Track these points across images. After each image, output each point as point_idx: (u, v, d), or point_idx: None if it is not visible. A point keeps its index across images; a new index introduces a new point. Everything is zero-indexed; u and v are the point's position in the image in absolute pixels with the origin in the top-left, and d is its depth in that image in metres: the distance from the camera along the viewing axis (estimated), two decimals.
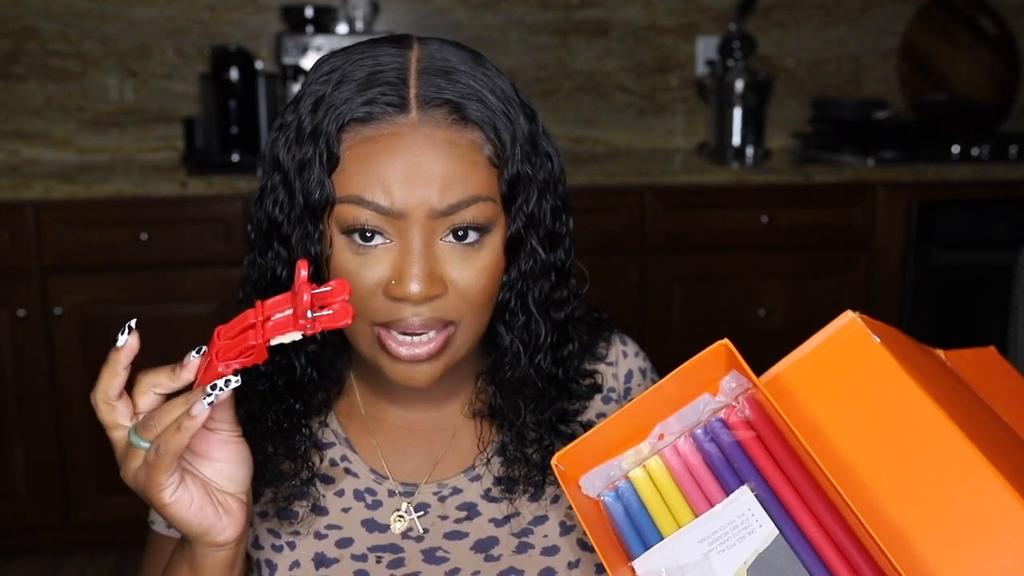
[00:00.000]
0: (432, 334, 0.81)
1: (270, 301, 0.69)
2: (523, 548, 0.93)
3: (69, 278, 2.49)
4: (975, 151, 2.89)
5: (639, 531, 0.64)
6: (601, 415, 0.97)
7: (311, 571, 0.92)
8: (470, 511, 0.94)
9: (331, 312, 0.67)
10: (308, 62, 2.81)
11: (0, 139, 2.97)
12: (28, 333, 2.49)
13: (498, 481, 0.93)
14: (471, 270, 0.81)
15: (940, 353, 0.72)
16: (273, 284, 0.84)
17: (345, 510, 0.93)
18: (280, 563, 0.93)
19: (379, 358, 0.83)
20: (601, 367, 0.98)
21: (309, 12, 2.87)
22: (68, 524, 2.61)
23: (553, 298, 0.88)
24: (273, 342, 0.68)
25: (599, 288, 0.94)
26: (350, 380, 0.96)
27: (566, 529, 0.94)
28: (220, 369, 0.69)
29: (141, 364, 2.57)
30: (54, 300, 2.49)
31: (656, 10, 3.19)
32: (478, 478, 0.94)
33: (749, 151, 2.91)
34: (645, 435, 0.66)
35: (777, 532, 0.58)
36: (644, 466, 0.67)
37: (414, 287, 0.78)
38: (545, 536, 0.94)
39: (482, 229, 0.81)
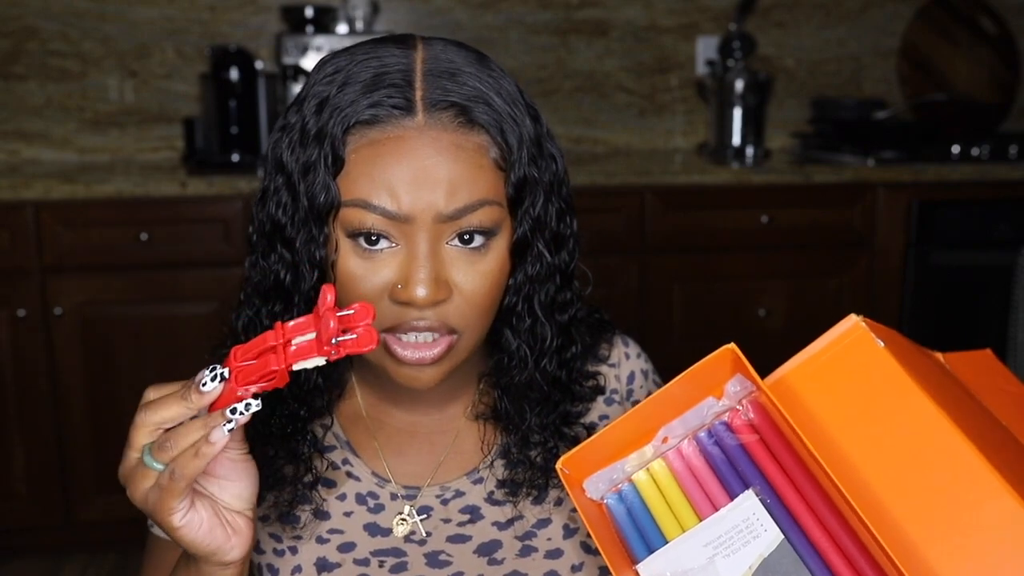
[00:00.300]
0: (436, 336, 0.81)
1: (291, 324, 0.67)
2: (526, 551, 0.93)
3: (69, 278, 2.49)
4: (975, 151, 2.89)
5: (643, 534, 0.64)
6: (603, 417, 0.97)
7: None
8: (473, 514, 0.94)
9: (355, 336, 0.66)
10: (308, 62, 2.80)
11: (0, 139, 2.97)
12: (28, 333, 2.49)
13: (501, 484, 0.93)
14: (477, 274, 0.80)
15: (939, 356, 0.72)
16: (276, 287, 0.84)
17: (347, 514, 0.93)
18: (282, 568, 0.93)
19: (384, 362, 0.83)
20: (603, 368, 0.98)
21: (309, 12, 2.86)
22: (68, 524, 2.61)
23: (558, 300, 0.88)
24: (296, 367, 0.67)
25: (599, 288, 0.94)
26: (352, 382, 0.96)
27: (570, 532, 0.94)
28: (239, 392, 0.66)
29: (141, 364, 2.56)
30: (54, 300, 2.48)
31: (656, 10, 3.19)
32: (481, 481, 0.94)
33: (749, 151, 2.91)
34: (649, 438, 0.66)
35: (782, 536, 0.58)
36: (648, 469, 0.67)
37: (420, 292, 0.77)
38: (549, 539, 0.94)
39: (488, 233, 0.80)
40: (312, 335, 0.67)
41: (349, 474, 0.94)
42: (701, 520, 0.62)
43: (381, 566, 0.92)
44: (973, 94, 3.34)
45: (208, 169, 2.67)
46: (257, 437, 0.88)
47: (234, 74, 2.75)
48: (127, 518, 2.53)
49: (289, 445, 0.89)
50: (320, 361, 0.67)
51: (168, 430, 0.69)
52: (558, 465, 0.65)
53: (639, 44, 3.20)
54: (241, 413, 0.67)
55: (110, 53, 2.98)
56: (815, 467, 0.58)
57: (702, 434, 0.66)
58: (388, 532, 0.93)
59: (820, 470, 0.57)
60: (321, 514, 0.93)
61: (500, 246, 0.82)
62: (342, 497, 0.93)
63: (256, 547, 0.94)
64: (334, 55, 0.83)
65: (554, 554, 0.93)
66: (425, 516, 0.93)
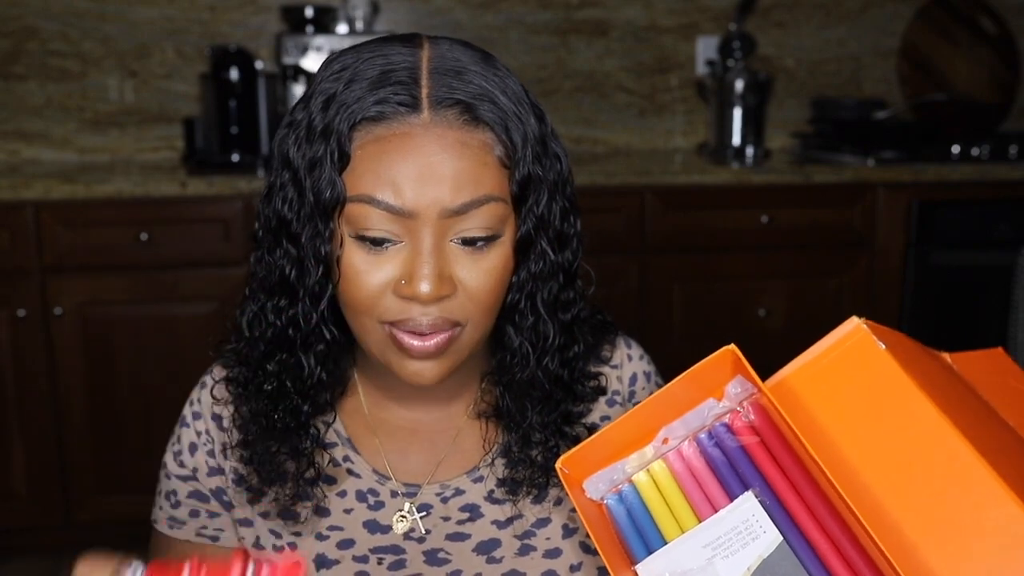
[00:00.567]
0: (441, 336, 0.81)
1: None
2: (525, 550, 0.93)
3: (69, 278, 2.49)
4: (975, 151, 2.89)
5: (642, 535, 0.64)
6: (605, 418, 0.97)
7: (312, 572, 0.92)
8: (472, 512, 0.94)
9: None
10: (308, 62, 2.80)
11: (0, 139, 2.97)
12: (28, 333, 2.49)
13: (501, 483, 0.93)
14: (480, 271, 0.81)
15: (946, 357, 0.72)
16: (281, 282, 0.84)
17: (347, 511, 0.93)
18: None
19: (389, 355, 0.83)
20: (605, 370, 0.98)
21: (309, 12, 2.86)
22: (68, 524, 2.61)
23: (561, 299, 0.88)
24: None
25: (599, 288, 0.94)
26: (354, 379, 0.96)
27: (569, 532, 0.94)
28: None
29: (141, 364, 2.55)
30: (54, 300, 2.49)
31: (656, 10, 3.19)
32: (481, 479, 0.94)
33: (749, 151, 2.91)
34: (649, 439, 0.66)
35: (781, 538, 0.58)
36: (648, 470, 0.66)
37: (424, 287, 0.78)
38: (548, 539, 0.94)
39: (491, 239, 0.81)
40: None
41: (350, 471, 0.94)
42: (701, 522, 0.62)
43: (380, 563, 0.92)
44: (973, 94, 3.34)
45: (208, 169, 2.67)
46: (260, 432, 0.88)
47: (234, 74, 2.75)
48: (127, 518, 2.53)
49: (291, 440, 0.89)
50: None
51: None
52: (558, 465, 0.65)
53: (639, 44, 3.20)
54: None
55: (110, 53, 2.98)
56: (815, 469, 0.58)
57: (703, 435, 0.66)
58: (388, 529, 0.93)
59: (820, 473, 0.57)
60: (321, 511, 0.93)
61: (504, 243, 0.82)
62: (342, 494, 0.94)
63: (256, 543, 0.94)
64: (341, 53, 0.84)
65: (553, 553, 0.93)
66: (425, 514, 0.93)
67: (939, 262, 2.78)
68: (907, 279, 2.78)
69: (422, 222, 0.78)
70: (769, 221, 2.72)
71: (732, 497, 0.61)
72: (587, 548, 0.94)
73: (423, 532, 0.93)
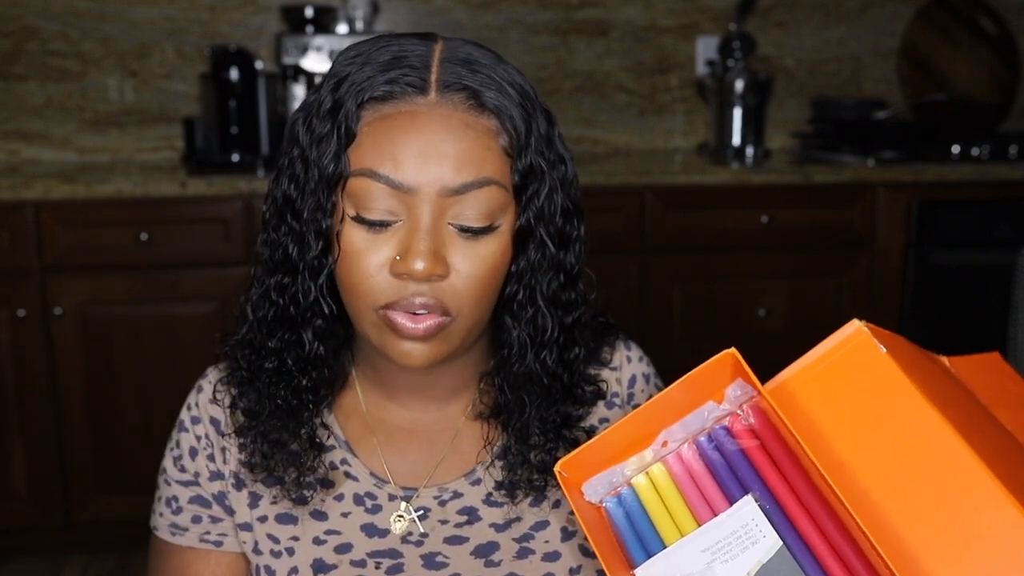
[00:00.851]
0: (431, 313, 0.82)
1: None
2: (524, 553, 0.93)
3: (69, 278, 2.49)
4: (975, 151, 2.89)
5: (641, 538, 0.64)
6: (604, 420, 0.97)
7: None
8: (471, 515, 0.93)
9: None
10: (308, 62, 2.80)
11: (0, 139, 2.97)
12: (28, 333, 2.49)
13: (499, 485, 0.93)
14: (476, 257, 0.81)
15: (945, 360, 0.72)
16: (284, 259, 0.85)
17: (345, 515, 0.93)
18: (279, 569, 0.93)
19: (383, 337, 0.83)
20: (605, 372, 0.98)
21: (309, 12, 2.86)
22: (68, 524, 2.61)
23: (562, 299, 0.88)
24: None
25: (599, 289, 0.94)
26: (352, 377, 0.96)
27: (567, 535, 0.94)
28: None
29: (141, 364, 2.56)
30: (54, 300, 2.48)
31: (656, 10, 3.19)
32: (479, 482, 0.94)
33: (749, 151, 2.91)
34: (649, 442, 0.66)
35: (781, 543, 0.58)
36: (647, 473, 0.66)
37: (419, 264, 0.78)
38: (546, 542, 0.94)
39: (488, 229, 0.81)
40: None
41: (347, 474, 0.94)
42: (700, 525, 0.61)
43: (378, 567, 0.92)
44: (973, 94, 3.33)
45: (208, 169, 2.67)
46: (263, 415, 0.88)
47: (234, 74, 2.74)
48: (127, 518, 2.54)
49: (296, 418, 0.89)
50: None
51: None
52: (556, 468, 0.64)
53: (639, 44, 3.20)
54: None
55: (110, 53, 2.98)
56: (815, 473, 0.58)
57: (702, 438, 0.66)
58: (385, 533, 0.93)
59: (820, 477, 0.57)
60: (319, 515, 0.93)
61: (502, 232, 0.83)
62: (340, 498, 0.93)
63: (254, 548, 0.94)
64: (358, 43, 0.85)
65: (551, 556, 0.93)
66: (423, 516, 0.93)
67: (939, 262, 2.78)
68: (907, 279, 2.78)
69: (421, 199, 0.79)
70: (769, 221, 2.72)
71: (731, 501, 0.61)
72: (586, 551, 0.94)
73: (421, 532, 0.93)
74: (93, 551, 2.65)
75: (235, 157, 2.73)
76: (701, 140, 3.21)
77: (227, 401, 0.94)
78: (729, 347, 0.62)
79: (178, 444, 0.97)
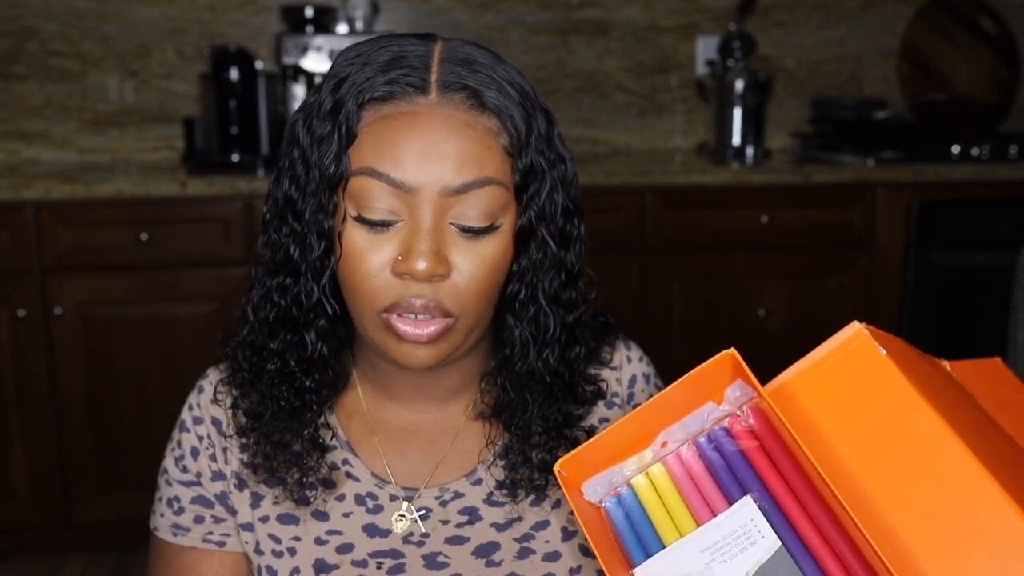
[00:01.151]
0: (434, 318, 0.82)
1: None
2: (524, 553, 0.93)
3: (69, 278, 2.49)
4: (975, 151, 2.89)
5: (640, 538, 0.64)
6: (604, 420, 0.97)
7: None
8: (472, 515, 0.94)
9: None
10: (308, 62, 2.80)
11: (0, 139, 2.97)
12: (28, 333, 2.49)
13: (500, 485, 0.93)
14: (477, 257, 0.82)
15: (945, 364, 0.72)
16: (285, 260, 0.85)
17: (346, 515, 0.93)
18: (280, 569, 0.93)
19: (386, 340, 0.83)
20: (605, 372, 0.99)
21: (309, 12, 2.86)
22: (68, 524, 2.61)
23: (563, 298, 0.88)
24: None
25: (599, 288, 0.95)
26: (353, 378, 0.96)
27: (568, 535, 0.94)
28: None
29: (141, 364, 2.56)
30: (54, 300, 2.49)
31: (656, 10, 3.19)
32: (480, 481, 0.94)
33: (749, 151, 2.91)
34: (648, 442, 0.66)
35: (779, 543, 0.58)
36: (647, 473, 0.66)
37: (421, 264, 0.78)
38: (547, 542, 0.94)
39: (488, 229, 0.81)
40: None
41: (349, 474, 0.94)
42: (699, 526, 0.61)
43: (379, 567, 0.92)
44: (973, 94, 3.33)
45: (208, 169, 2.67)
46: (267, 415, 0.88)
47: (234, 74, 2.75)
48: (127, 518, 2.54)
49: (300, 419, 0.89)
50: None
51: None
52: (556, 467, 0.65)
53: (639, 44, 3.20)
54: None
55: (110, 53, 2.98)
56: (814, 475, 0.58)
57: (702, 439, 0.66)
58: (387, 533, 0.93)
59: (819, 478, 0.57)
60: (320, 515, 0.93)
61: (503, 232, 0.83)
62: (341, 498, 0.94)
63: (256, 548, 0.94)
64: (358, 43, 0.86)
65: (552, 556, 0.93)
66: (424, 516, 0.93)
67: (939, 262, 2.78)
68: (907, 279, 2.78)
69: (423, 199, 0.79)
70: (769, 221, 2.72)
71: (731, 502, 0.61)
72: (586, 551, 0.94)
73: (422, 532, 0.93)
74: (93, 551, 2.65)
75: (235, 157, 2.73)
76: (701, 140, 3.22)
77: (228, 402, 0.94)
78: (729, 347, 0.62)
79: (179, 444, 0.97)
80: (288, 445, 0.90)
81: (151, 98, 3.02)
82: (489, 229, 0.82)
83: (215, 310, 2.52)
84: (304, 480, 0.91)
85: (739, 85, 2.92)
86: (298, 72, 2.83)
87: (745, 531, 0.59)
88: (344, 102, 0.80)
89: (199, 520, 0.96)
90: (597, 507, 0.67)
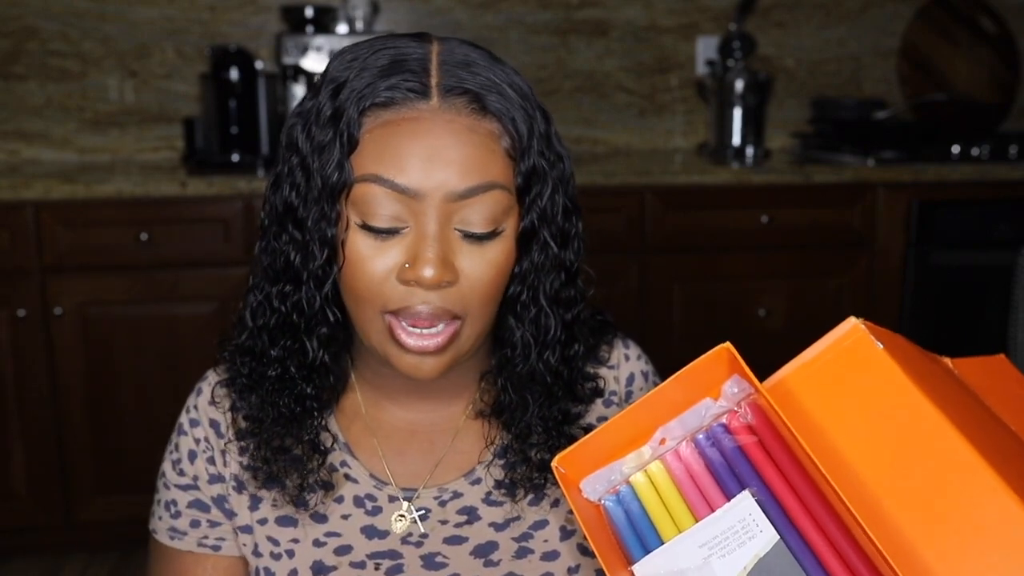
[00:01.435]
0: (441, 327, 0.81)
1: None
2: (523, 553, 0.93)
3: (69, 278, 2.49)
4: (975, 151, 2.89)
5: (640, 536, 0.64)
6: (602, 418, 0.97)
7: None
8: (470, 515, 0.93)
9: None
10: (308, 62, 2.80)
11: (0, 139, 2.97)
12: (28, 333, 2.49)
13: (499, 484, 0.93)
14: (483, 261, 0.81)
15: (947, 361, 0.72)
16: (286, 268, 0.84)
17: (344, 517, 0.93)
18: (279, 571, 0.93)
19: (388, 348, 0.83)
20: (603, 370, 0.98)
21: (309, 12, 2.86)
22: (68, 524, 2.61)
23: (563, 296, 0.88)
24: None
25: (599, 288, 0.95)
26: (351, 380, 0.96)
27: (566, 534, 0.94)
28: None
29: (141, 364, 2.56)
30: (54, 300, 2.49)
31: (656, 10, 3.19)
32: (479, 481, 0.94)
33: (749, 151, 2.91)
34: (646, 439, 0.66)
35: (778, 537, 0.58)
36: (645, 470, 0.66)
37: (428, 271, 0.78)
38: (545, 541, 0.94)
39: (492, 234, 0.81)
40: None
41: (347, 476, 0.94)
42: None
43: (377, 568, 0.92)
44: (973, 94, 3.33)
45: (208, 169, 2.67)
46: (266, 422, 0.88)
47: (234, 74, 2.75)
48: (127, 518, 2.54)
49: (300, 424, 0.89)
50: None
51: None
52: (553, 463, 0.64)
53: (639, 44, 3.20)
54: None
55: (110, 53, 2.98)
56: (813, 470, 0.58)
57: (700, 436, 0.66)
58: (385, 534, 0.93)
59: (818, 472, 0.57)
60: (319, 517, 0.93)
61: (507, 235, 0.83)
62: (340, 500, 0.93)
63: (254, 550, 0.94)
64: (352, 46, 0.85)
65: (550, 556, 0.93)
66: (423, 516, 0.93)
67: (939, 262, 2.78)
68: (907, 279, 2.78)
69: (427, 205, 0.79)
70: (769, 221, 2.72)
71: (729, 497, 0.61)
72: (585, 550, 0.94)
73: (420, 533, 0.93)
74: (93, 551, 2.65)
75: (235, 157, 2.73)
76: (701, 140, 3.21)
77: (227, 404, 0.94)
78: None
79: (177, 448, 0.97)
80: (288, 450, 0.89)
81: (151, 98, 3.02)
82: (493, 234, 0.81)
83: (215, 310, 2.52)
84: (303, 483, 0.91)
85: (739, 85, 2.92)
86: (298, 72, 2.83)
87: (743, 525, 0.59)
88: (344, 109, 0.79)
89: (195, 524, 0.95)
90: (596, 505, 0.67)
